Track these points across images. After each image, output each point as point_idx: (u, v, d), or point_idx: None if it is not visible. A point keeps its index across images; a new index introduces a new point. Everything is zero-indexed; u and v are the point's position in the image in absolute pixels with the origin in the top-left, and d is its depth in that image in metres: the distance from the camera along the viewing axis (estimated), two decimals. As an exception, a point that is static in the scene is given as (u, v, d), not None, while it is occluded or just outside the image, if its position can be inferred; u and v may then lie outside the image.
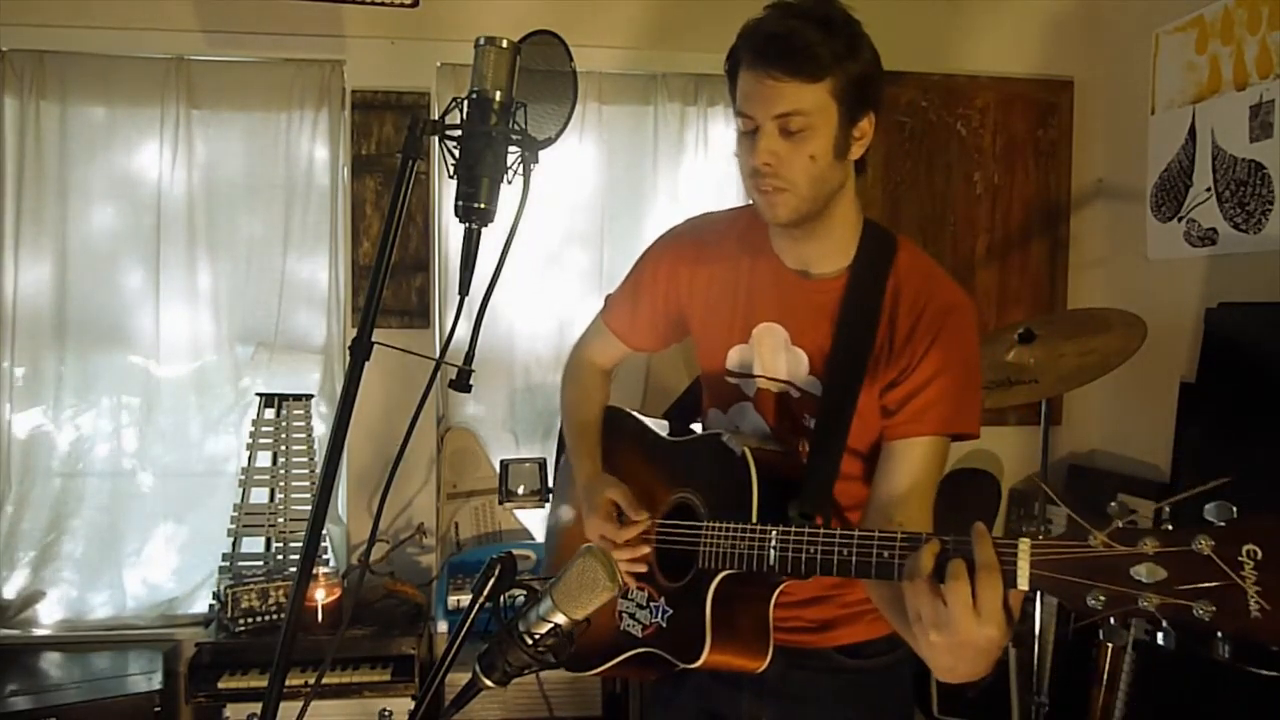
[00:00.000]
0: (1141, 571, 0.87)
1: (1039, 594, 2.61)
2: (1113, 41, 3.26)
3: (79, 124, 3.00)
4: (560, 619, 1.03)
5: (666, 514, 1.45)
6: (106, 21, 2.93)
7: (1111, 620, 0.89)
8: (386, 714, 2.61)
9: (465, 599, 2.41)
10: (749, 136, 1.29)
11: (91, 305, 3.03)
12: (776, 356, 1.42)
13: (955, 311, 1.34)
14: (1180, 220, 2.92)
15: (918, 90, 3.26)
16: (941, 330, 1.32)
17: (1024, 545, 0.95)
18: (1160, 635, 0.88)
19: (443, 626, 2.85)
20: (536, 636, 1.04)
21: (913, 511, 1.28)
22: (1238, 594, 0.82)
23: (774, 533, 1.21)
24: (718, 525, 1.29)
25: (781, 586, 1.32)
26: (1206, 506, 0.84)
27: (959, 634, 0.97)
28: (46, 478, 3.01)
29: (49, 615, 2.99)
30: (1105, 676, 2.72)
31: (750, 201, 1.44)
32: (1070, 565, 0.91)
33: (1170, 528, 0.87)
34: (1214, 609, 0.83)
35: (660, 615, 1.39)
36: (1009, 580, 0.95)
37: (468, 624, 1.10)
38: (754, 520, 1.26)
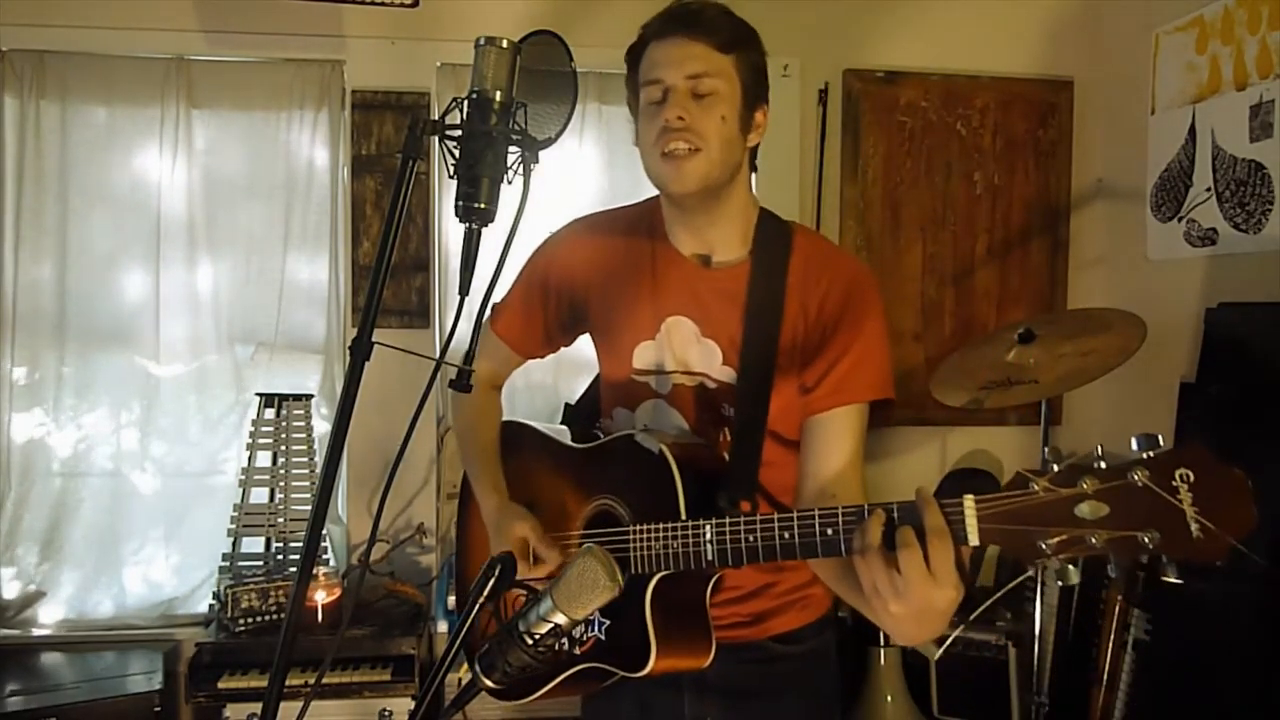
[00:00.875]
0: (1085, 510, 0.90)
1: (1039, 587, 2.63)
2: (1113, 41, 3.26)
3: (79, 124, 3.00)
4: (560, 619, 1.03)
5: (587, 525, 1.41)
6: (106, 21, 2.93)
7: (1059, 560, 0.92)
8: (386, 714, 2.62)
9: (465, 599, 2.40)
10: (658, 104, 1.31)
11: (91, 305, 3.03)
12: (688, 350, 1.41)
13: (858, 283, 1.37)
14: (1180, 220, 2.92)
15: (918, 90, 3.26)
16: (848, 303, 1.35)
17: (969, 502, 0.98)
18: (1110, 568, 0.91)
19: (443, 626, 2.86)
20: (536, 636, 1.04)
21: (846, 479, 1.29)
22: (1178, 516, 0.86)
23: (708, 527, 1.20)
24: (646, 528, 1.27)
25: (715, 579, 1.31)
26: (1134, 438, 0.88)
27: (917, 600, 0.98)
28: (46, 478, 3.01)
29: (49, 615, 2.99)
30: (1105, 676, 2.73)
31: (638, 200, 1.46)
32: (1016, 515, 0.94)
33: (1104, 465, 0.90)
34: (1158, 534, 0.87)
35: (597, 628, 1.34)
36: (960, 538, 0.97)
37: (468, 624, 1.10)
38: (683, 517, 1.24)
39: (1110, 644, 2.72)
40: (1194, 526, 0.85)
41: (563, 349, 1.62)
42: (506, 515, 1.47)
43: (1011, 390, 2.49)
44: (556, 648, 1.04)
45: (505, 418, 1.64)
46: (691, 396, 1.42)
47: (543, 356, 1.63)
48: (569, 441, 1.54)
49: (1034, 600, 2.64)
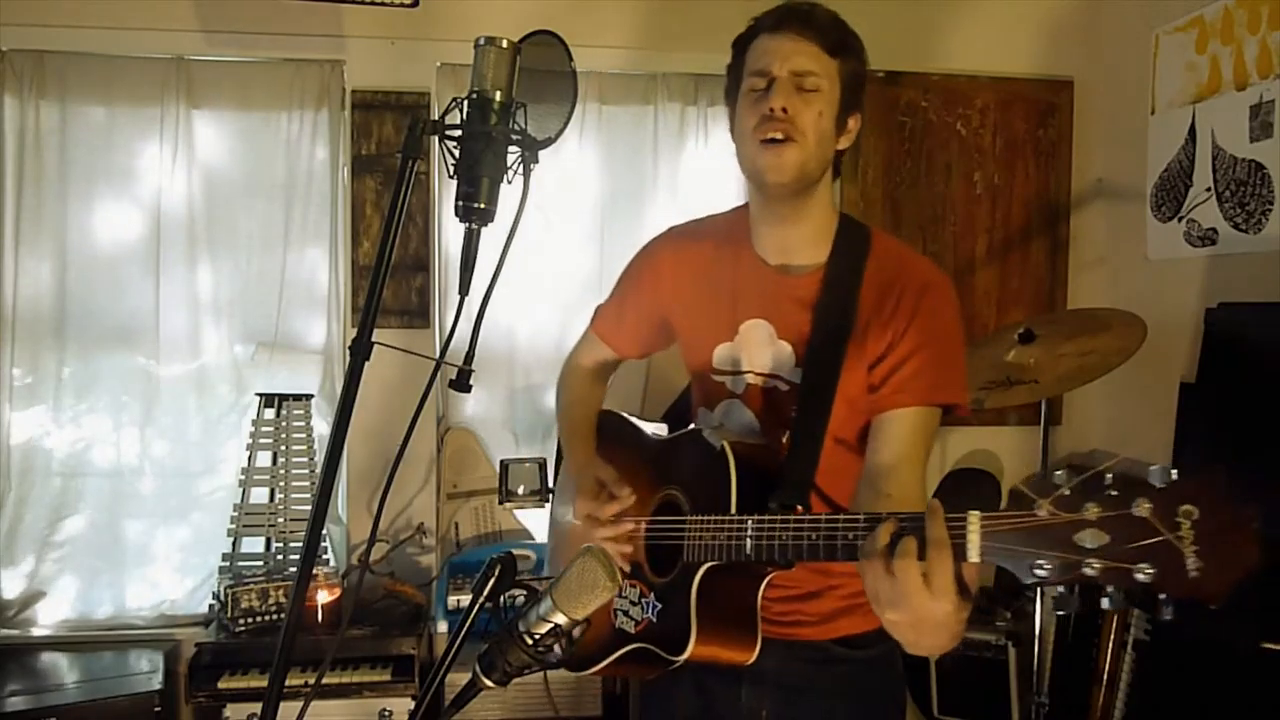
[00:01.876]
0: (1085, 537, 0.88)
1: (1038, 593, 2.63)
2: (1113, 41, 3.26)
3: (79, 124, 3.00)
4: (560, 619, 1.03)
5: (655, 511, 1.47)
6: (106, 21, 2.93)
7: (1061, 588, 0.90)
8: (386, 714, 2.62)
9: (465, 599, 2.40)
10: (761, 92, 1.36)
11: (91, 305, 3.03)
12: (763, 351, 1.45)
13: (932, 287, 1.39)
14: (1180, 220, 2.92)
15: (918, 90, 3.26)
16: (920, 306, 1.37)
17: (973, 518, 0.96)
18: (1105, 600, 0.88)
19: (443, 626, 2.85)
20: (536, 636, 1.04)
21: (903, 481, 1.30)
22: (1175, 555, 0.83)
23: (749, 522, 1.23)
24: (700, 519, 1.32)
25: (769, 578, 1.33)
26: (1150, 469, 0.85)
27: (913, 610, 0.99)
28: (46, 478, 3.01)
29: (49, 615, 2.99)
30: (1105, 676, 2.73)
31: (730, 207, 1.51)
32: (1017, 535, 0.92)
33: (1114, 493, 0.88)
34: (1154, 571, 0.84)
35: (651, 610, 1.41)
36: (960, 554, 0.96)
37: (468, 624, 1.10)
38: (733, 511, 1.28)
39: (1110, 644, 2.72)
40: (1192, 565, 0.82)
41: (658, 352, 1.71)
42: (588, 465, 1.59)
43: (1011, 390, 2.49)
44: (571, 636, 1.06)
45: (605, 408, 1.74)
46: (762, 397, 1.46)
47: (639, 357, 1.73)
48: (653, 433, 1.62)
49: (1034, 600, 2.64)
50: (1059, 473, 0.92)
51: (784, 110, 1.33)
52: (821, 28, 1.37)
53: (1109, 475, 0.88)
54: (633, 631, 1.44)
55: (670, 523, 1.40)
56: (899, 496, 1.28)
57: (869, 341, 1.37)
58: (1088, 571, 0.87)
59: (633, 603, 1.45)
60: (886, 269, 1.40)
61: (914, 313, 1.36)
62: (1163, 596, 0.84)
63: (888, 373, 1.36)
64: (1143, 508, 0.85)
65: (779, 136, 1.34)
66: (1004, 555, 0.93)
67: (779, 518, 1.19)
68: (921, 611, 0.99)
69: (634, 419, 1.68)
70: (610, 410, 1.73)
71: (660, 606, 1.40)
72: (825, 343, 1.38)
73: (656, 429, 1.65)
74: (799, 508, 1.28)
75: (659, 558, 1.43)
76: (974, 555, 0.96)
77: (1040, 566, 0.90)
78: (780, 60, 1.35)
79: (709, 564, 1.30)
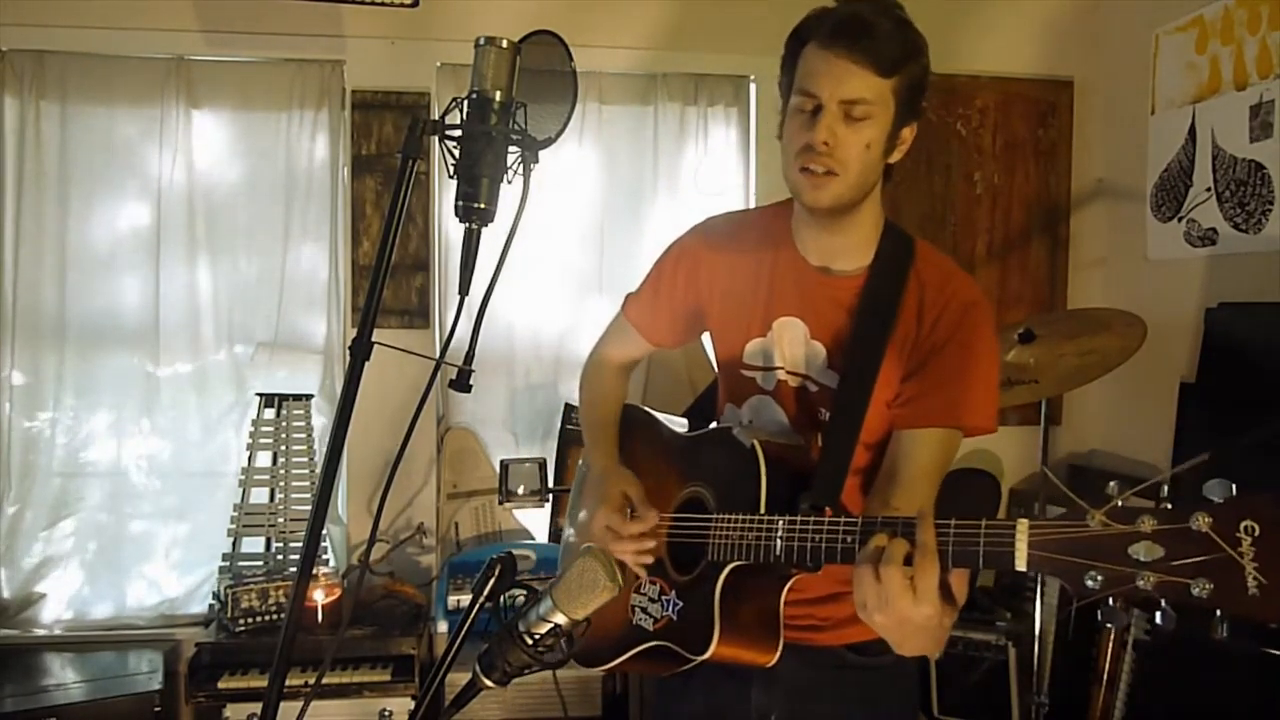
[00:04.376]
0: (1139, 550, 0.86)
1: (1039, 587, 2.63)
2: (1113, 41, 3.26)
3: (79, 124, 3.00)
4: (560, 619, 1.03)
5: (679, 508, 1.46)
6: (106, 21, 2.93)
7: (1111, 601, 0.88)
8: (386, 714, 2.62)
9: (465, 599, 2.40)
10: (808, 115, 1.28)
11: (91, 305, 3.03)
12: (796, 350, 1.43)
13: (975, 308, 1.36)
14: (1180, 220, 2.92)
15: (918, 90, 3.26)
16: (960, 325, 1.34)
17: (1022, 526, 0.94)
18: (1159, 615, 0.86)
19: (443, 626, 2.85)
20: (536, 636, 1.04)
21: (916, 498, 1.28)
22: (1236, 571, 0.81)
23: (780, 523, 1.21)
24: (727, 517, 1.30)
25: (792, 581, 1.32)
26: (1206, 484, 0.83)
27: (896, 613, 0.99)
28: (46, 478, 3.01)
29: (49, 615, 2.99)
30: (1105, 676, 2.72)
31: (772, 202, 1.47)
32: (1067, 545, 0.91)
33: (1169, 506, 0.86)
34: (1212, 586, 0.82)
35: (671, 608, 1.40)
36: (1007, 561, 0.95)
37: (468, 624, 1.10)
38: (762, 511, 1.26)
39: (1110, 644, 2.72)
40: (1252, 583, 0.80)
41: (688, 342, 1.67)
42: (612, 474, 1.54)
43: (1011, 390, 2.49)
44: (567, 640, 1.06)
45: (629, 402, 1.71)
46: (793, 396, 1.44)
47: (671, 347, 1.68)
48: (678, 429, 1.59)
49: (1034, 600, 2.64)
50: (1111, 484, 0.90)
51: (825, 145, 1.26)
52: (878, 47, 1.26)
53: (1164, 487, 0.87)
54: (651, 629, 1.42)
55: (695, 520, 1.39)
56: (906, 513, 1.26)
57: (906, 353, 1.35)
58: (1141, 585, 0.85)
59: (652, 600, 1.44)
60: (930, 283, 1.37)
61: (954, 331, 1.34)
62: (1219, 613, 0.82)
63: (920, 389, 1.33)
64: (1203, 522, 0.83)
65: (819, 170, 1.28)
66: (1052, 565, 0.92)
67: (812, 519, 1.17)
68: (904, 614, 0.99)
69: (657, 414, 1.66)
70: (634, 404, 1.71)
71: (681, 605, 1.38)
72: (864, 348, 1.35)
73: (680, 425, 1.64)
74: (829, 510, 1.26)
75: (681, 555, 1.42)
76: (1021, 563, 0.94)
77: (1092, 578, 0.88)
78: (830, 86, 1.26)
79: (735, 563, 1.29)
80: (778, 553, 1.20)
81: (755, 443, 1.32)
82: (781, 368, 1.45)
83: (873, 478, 1.37)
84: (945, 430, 1.33)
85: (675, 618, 1.39)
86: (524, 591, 1.13)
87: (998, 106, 3.32)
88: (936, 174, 3.30)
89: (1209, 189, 2.80)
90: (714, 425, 1.50)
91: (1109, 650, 2.73)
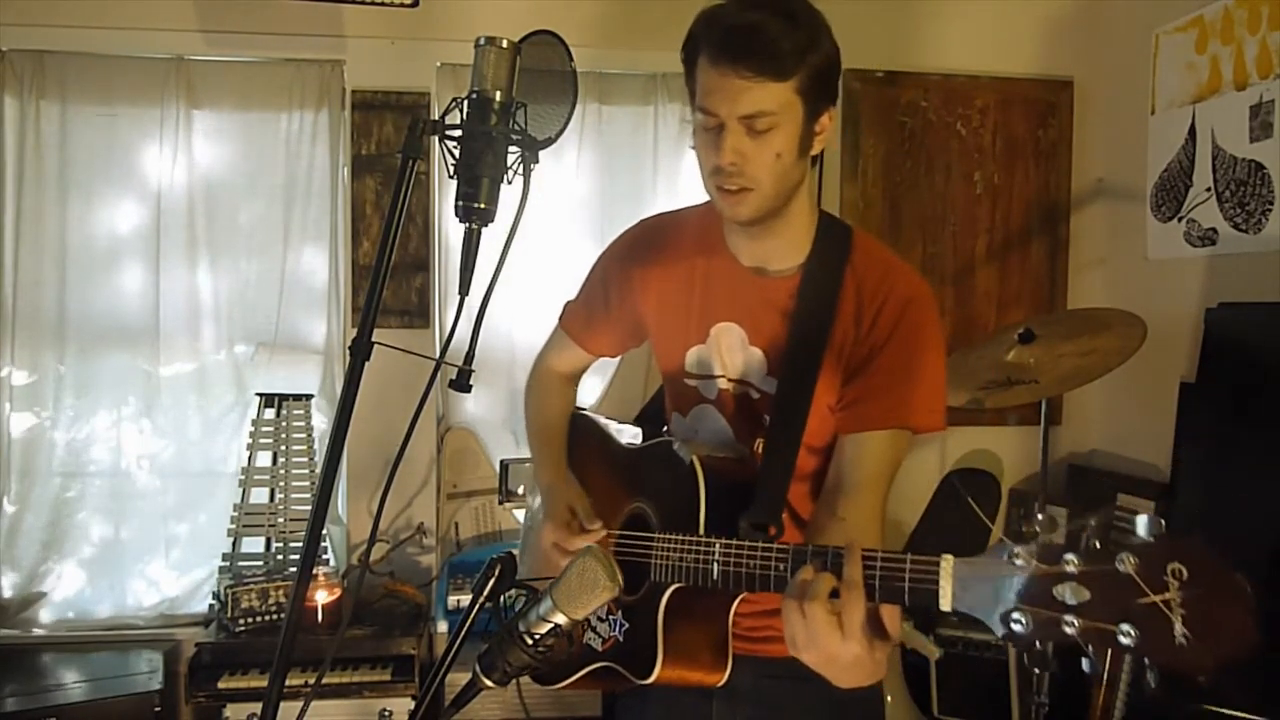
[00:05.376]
0: (1065, 592, 0.80)
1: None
2: (1113, 41, 3.26)
3: (79, 124, 3.00)
4: (560, 619, 1.03)
5: (624, 523, 1.42)
6: (106, 21, 2.93)
7: (1037, 644, 0.82)
8: (386, 714, 2.61)
9: (465, 599, 2.41)
10: (713, 133, 1.23)
11: (92, 305, 3.03)
12: (734, 356, 1.38)
13: (914, 304, 1.30)
14: (1180, 220, 2.92)
15: (918, 90, 3.26)
16: (900, 323, 1.28)
17: (947, 563, 0.89)
18: (1085, 662, 0.80)
19: (443, 626, 2.85)
20: (536, 636, 1.04)
21: (862, 505, 1.24)
22: (1161, 618, 0.75)
23: (717, 545, 1.15)
24: (668, 537, 1.25)
25: (738, 601, 1.28)
26: (1138, 518, 0.78)
27: (821, 650, 0.95)
28: (46, 478, 3.01)
29: (49, 615, 2.99)
30: (1105, 676, 2.72)
31: (703, 200, 1.41)
32: (993, 584, 0.85)
33: (1097, 544, 0.80)
34: (1138, 634, 0.76)
35: (618, 629, 1.35)
36: (932, 600, 0.90)
37: (468, 624, 1.10)
38: (701, 532, 1.21)
39: (1039, 671, 2.71)
40: (1178, 631, 0.75)
41: (632, 350, 1.63)
42: (558, 488, 1.53)
43: (1011, 390, 2.49)
44: (567, 641, 1.04)
45: (579, 407, 1.69)
46: (735, 404, 1.40)
47: (612, 356, 1.66)
48: (625, 441, 1.55)
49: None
50: (1039, 517, 0.85)
51: (732, 164, 1.21)
52: (770, 50, 1.17)
53: (1093, 523, 0.82)
54: (599, 649, 1.38)
55: (636, 538, 1.34)
56: (853, 521, 1.22)
57: (846, 355, 1.30)
58: (1067, 630, 0.80)
59: (600, 619, 1.40)
60: (867, 277, 1.31)
61: (893, 329, 1.28)
62: (1146, 662, 0.77)
63: (862, 392, 1.28)
64: (1129, 563, 0.77)
65: (732, 188, 1.23)
66: (979, 604, 0.87)
67: (746, 544, 1.11)
68: (830, 651, 0.95)
69: (606, 421, 1.62)
70: (583, 412, 1.67)
71: (627, 625, 1.34)
72: (801, 354, 1.30)
73: (629, 433, 1.59)
74: (771, 528, 1.21)
75: (627, 573, 1.36)
76: (945, 602, 0.89)
77: (1015, 621, 0.83)
78: (727, 104, 1.19)
79: (676, 585, 1.24)
80: (714, 577, 1.15)
81: (695, 459, 1.28)
82: (722, 375, 1.40)
83: (822, 482, 1.33)
84: (891, 432, 1.27)
85: (621, 639, 1.35)
86: (524, 591, 1.12)
87: (998, 106, 3.32)
88: (936, 174, 3.29)
89: (1209, 189, 2.80)
90: (657, 439, 1.45)
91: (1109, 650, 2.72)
